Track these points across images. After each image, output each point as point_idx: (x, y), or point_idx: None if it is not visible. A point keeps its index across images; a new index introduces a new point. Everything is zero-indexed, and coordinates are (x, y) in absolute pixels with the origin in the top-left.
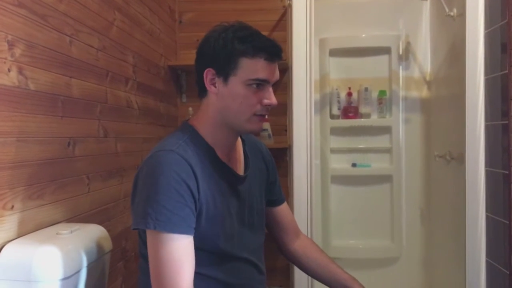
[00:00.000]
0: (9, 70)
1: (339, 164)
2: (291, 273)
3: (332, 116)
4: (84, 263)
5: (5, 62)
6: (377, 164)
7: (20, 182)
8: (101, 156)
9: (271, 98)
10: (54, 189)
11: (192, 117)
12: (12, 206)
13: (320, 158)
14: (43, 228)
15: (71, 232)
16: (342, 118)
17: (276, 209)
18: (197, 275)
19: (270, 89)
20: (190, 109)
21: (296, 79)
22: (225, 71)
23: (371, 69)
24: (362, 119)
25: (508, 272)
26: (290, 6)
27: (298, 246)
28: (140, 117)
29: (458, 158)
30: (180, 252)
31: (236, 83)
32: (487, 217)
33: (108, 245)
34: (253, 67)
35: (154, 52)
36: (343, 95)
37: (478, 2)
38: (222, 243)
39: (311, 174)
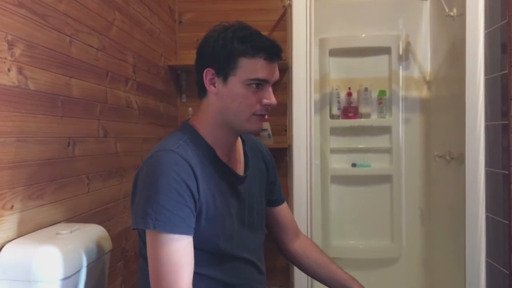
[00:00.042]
0: (9, 70)
1: (339, 164)
2: (291, 273)
3: (332, 116)
4: (84, 263)
5: (5, 62)
6: (377, 164)
7: (20, 182)
8: (101, 156)
9: (270, 98)
10: (54, 189)
11: (192, 117)
12: (12, 206)
13: (320, 158)
14: (42, 228)
15: (71, 232)
16: (342, 118)
17: (276, 209)
18: (197, 275)
19: (270, 89)
20: (190, 109)
21: (296, 79)
22: (224, 71)
23: (371, 69)
24: (362, 119)
25: (508, 272)
26: (290, 6)
27: (298, 246)
28: (140, 117)
29: (458, 158)
30: (179, 253)
31: (236, 83)
32: (487, 217)
33: (108, 245)
34: (252, 67)
35: (154, 52)
36: (343, 95)
37: (478, 2)
38: (222, 243)
39: (311, 174)
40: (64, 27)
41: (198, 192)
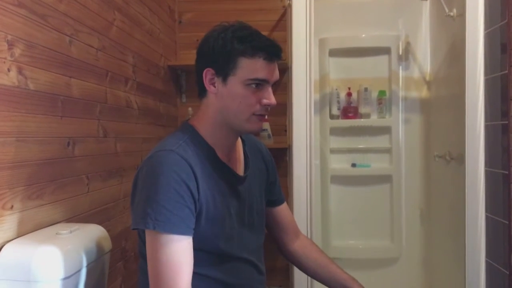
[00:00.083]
0: (8, 70)
1: (339, 164)
2: (290, 273)
3: (332, 116)
4: (84, 263)
5: (4, 62)
6: (377, 164)
7: (20, 182)
8: (100, 156)
9: (270, 98)
10: (54, 189)
11: (192, 117)
12: (12, 206)
13: (320, 158)
14: (42, 228)
15: (71, 232)
16: (342, 118)
17: (276, 209)
18: (197, 275)
19: (270, 89)
20: (190, 109)
21: (296, 79)
22: (224, 71)
23: (371, 69)
24: (362, 119)
25: (507, 272)
26: (290, 6)
27: (297, 246)
28: (139, 117)
29: (457, 158)
30: (179, 253)
31: (235, 83)
32: (487, 217)
33: (107, 245)
34: (252, 67)
35: (154, 52)
36: (342, 95)
37: (478, 2)
38: (222, 244)
39: (311, 174)
40: (64, 27)
41: (198, 193)
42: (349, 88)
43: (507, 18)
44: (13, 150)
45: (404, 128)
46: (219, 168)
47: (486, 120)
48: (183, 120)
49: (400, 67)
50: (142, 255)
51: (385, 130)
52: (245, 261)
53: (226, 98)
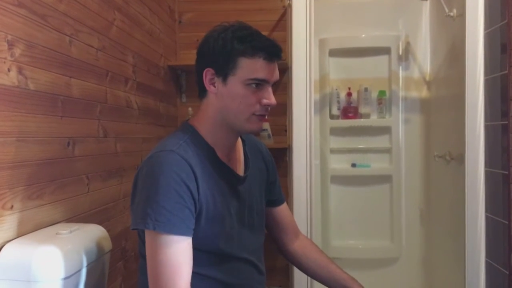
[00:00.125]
0: (9, 70)
1: (339, 164)
2: (290, 273)
3: (332, 116)
4: (84, 263)
5: (5, 62)
6: (377, 164)
7: (20, 182)
8: (100, 156)
9: (270, 98)
10: (54, 189)
11: (193, 117)
12: (12, 206)
13: (320, 158)
14: (42, 228)
15: (71, 232)
16: (342, 118)
17: (275, 210)
18: (197, 275)
19: (270, 89)
20: (190, 109)
21: (296, 79)
22: (224, 71)
23: (371, 69)
24: (362, 119)
25: (507, 272)
26: (290, 6)
27: (297, 246)
28: (139, 117)
29: (457, 159)
30: (178, 254)
31: (235, 83)
32: (487, 218)
33: (107, 245)
34: (252, 67)
35: (154, 52)
36: (342, 95)
37: (478, 2)
38: (222, 244)
39: (311, 174)
40: (64, 27)
41: (198, 193)
42: (349, 88)
43: (507, 18)
44: (13, 150)
45: (404, 128)
46: (219, 168)
47: (486, 120)
48: (183, 120)
49: (400, 67)
50: (142, 255)
51: (385, 130)
52: (245, 261)
53: (226, 98)
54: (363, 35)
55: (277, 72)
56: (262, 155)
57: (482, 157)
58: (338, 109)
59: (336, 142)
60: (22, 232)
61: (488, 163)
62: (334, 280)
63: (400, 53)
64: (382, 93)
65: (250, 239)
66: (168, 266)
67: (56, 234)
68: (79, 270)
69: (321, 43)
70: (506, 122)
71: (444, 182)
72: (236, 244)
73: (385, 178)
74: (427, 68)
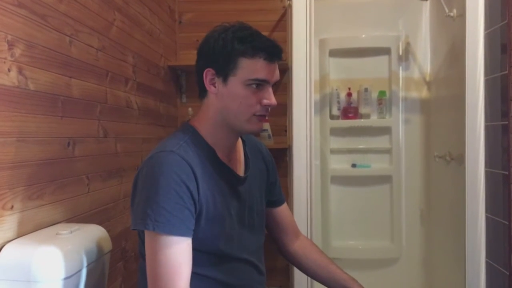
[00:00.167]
0: (9, 70)
1: (339, 164)
2: (291, 273)
3: (332, 117)
4: (84, 263)
5: (5, 62)
6: (377, 165)
7: (20, 182)
8: (101, 156)
9: (270, 98)
10: (54, 189)
11: (193, 118)
12: (12, 206)
13: (320, 158)
14: (42, 228)
15: (71, 232)
16: (342, 119)
17: (276, 210)
18: (197, 275)
19: (270, 90)
20: (190, 109)
21: (296, 80)
22: (224, 71)
23: (371, 70)
24: (362, 120)
25: (507, 273)
26: (290, 6)
27: (297, 247)
28: (140, 117)
29: (457, 159)
30: (178, 254)
31: (236, 83)
32: (487, 218)
33: (107, 245)
34: (252, 67)
35: (154, 52)
36: (343, 95)
37: (478, 2)
38: (222, 244)
39: (311, 174)
40: (64, 27)
41: (198, 193)
42: (349, 89)
43: (507, 19)
44: (13, 150)
45: (404, 129)
46: (220, 168)
47: (486, 120)
48: (183, 121)
49: (400, 67)
50: (142, 256)
51: (385, 131)
52: (245, 261)
53: (227, 99)
54: (363, 35)
55: (277, 73)
56: (262, 156)
57: (482, 157)
58: (338, 109)
59: (336, 142)
60: (22, 232)
61: (488, 163)
62: (334, 280)
63: (400, 53)
64: (382, 93)
65: (250, 240)
66: (168, 266)
67: (56, 234)
68: (79, 271)
69: (321, 43)
70: (506, 122)
71: (444, 183)
72: (236, 245)
73: (385, 179)
74: (427, 68)
